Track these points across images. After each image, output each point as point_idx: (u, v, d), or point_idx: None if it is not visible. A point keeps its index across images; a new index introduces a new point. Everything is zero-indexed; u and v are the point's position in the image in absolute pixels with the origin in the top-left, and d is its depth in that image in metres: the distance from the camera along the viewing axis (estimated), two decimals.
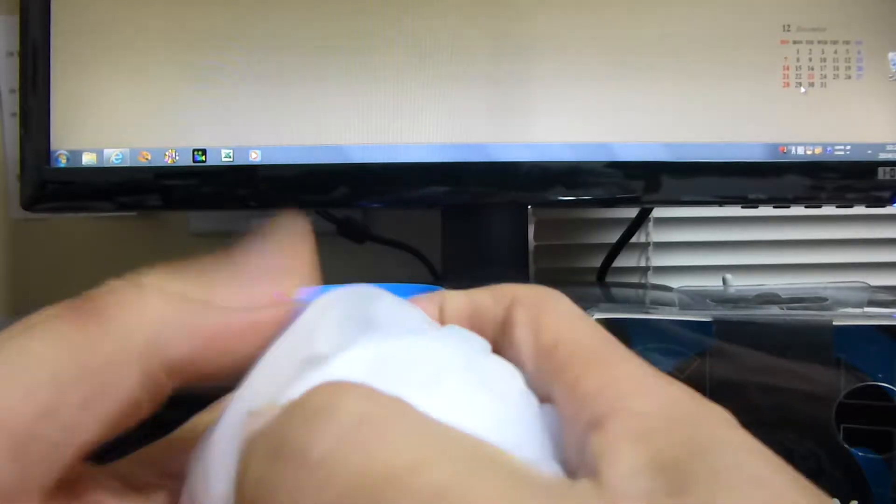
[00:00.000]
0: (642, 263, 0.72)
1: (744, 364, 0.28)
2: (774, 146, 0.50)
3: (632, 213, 0.67)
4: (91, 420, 0.14)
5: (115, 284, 0.15)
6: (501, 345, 0.17)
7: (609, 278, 0.68)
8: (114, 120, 0.50)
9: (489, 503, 0.11)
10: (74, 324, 0.14)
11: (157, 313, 0.15)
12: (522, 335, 0.16)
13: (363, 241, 0.68)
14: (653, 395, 0.14)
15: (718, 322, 0.29)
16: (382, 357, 0.15)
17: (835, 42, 0.50)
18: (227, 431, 0.14)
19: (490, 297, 0.18)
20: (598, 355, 0.15)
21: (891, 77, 0.51)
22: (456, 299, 0.18)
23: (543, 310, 0.17)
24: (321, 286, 0.19)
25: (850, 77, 0.50)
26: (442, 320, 0.18)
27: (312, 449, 0.12)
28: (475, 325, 0.18)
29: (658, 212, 0.69)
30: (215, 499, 0.14)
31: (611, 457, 0.12)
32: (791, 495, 0.12)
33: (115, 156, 0.50)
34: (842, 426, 0.27)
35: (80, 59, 0.50)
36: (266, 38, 0.50)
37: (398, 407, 0.13)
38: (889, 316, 0.28)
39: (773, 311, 0.29)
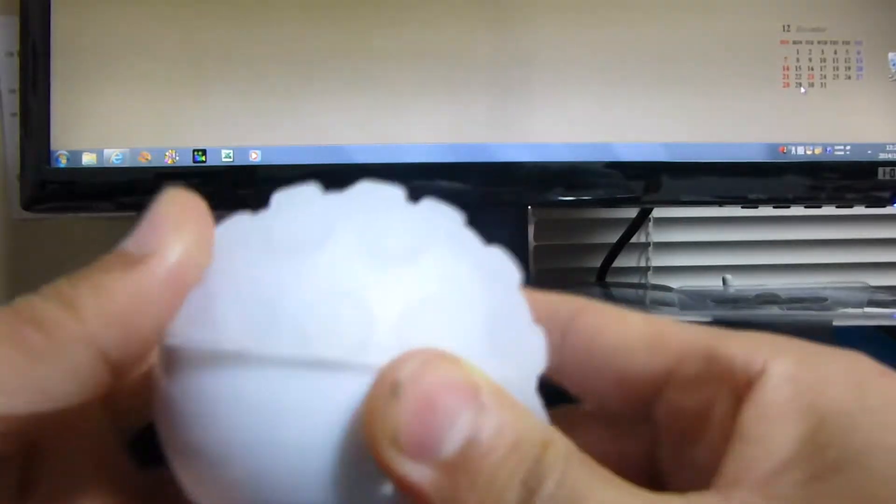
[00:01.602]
0: (642, 263, 0.72)
1: None
2: (774, 146, 0.50)
3: (632, 213, 0.67)
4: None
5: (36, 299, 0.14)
6: (554, 352, 0.16)
7: (609, 278, 0.68)
8: (114, 120, 0.50)
9: None
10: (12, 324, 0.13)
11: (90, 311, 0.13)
12: (610, 333, 0.15)
13: None
14: (793, 351, 0.14)
15: (718, 322, 0.29)
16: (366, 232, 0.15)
17: (835, 42, 0.50)
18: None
19: (549, 300, 0.17)
20: (724, 333, 0.15)
21: (891, 77, 0.51)
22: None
23: (624, 312, 0.16)
24: None
25: (850, 77, 0.50)
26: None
27: None
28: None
29: (658, 212, 0.69)
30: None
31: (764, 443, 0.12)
32: None
33: (115, 156, 0.50)
34: None
35: (80, 59, 0.50)
36: (266, 38, 0.50)
37: None
38: (889, 316, 0.28)
39: (773, 311, 0.29)
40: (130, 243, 0.14)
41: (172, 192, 0.15)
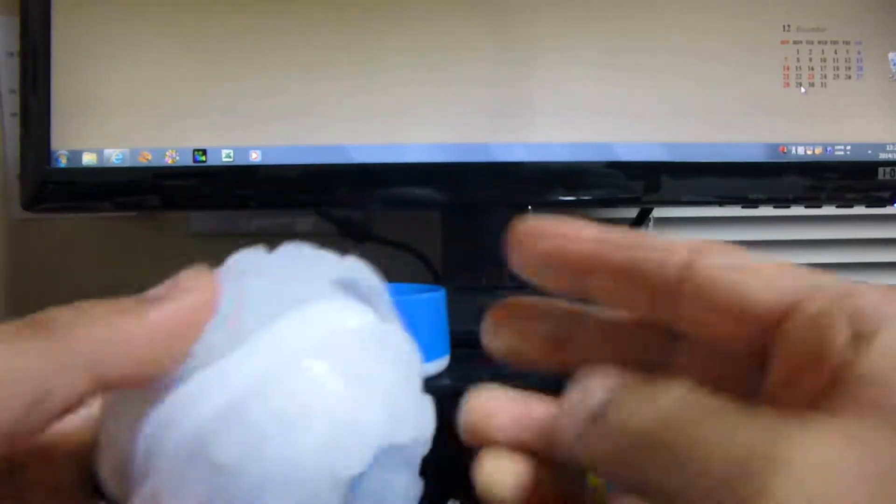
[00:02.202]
0: None
1: None
2: (774, 146, 0.50)
3: (632, 213, 0.67)
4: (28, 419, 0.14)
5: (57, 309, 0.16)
6: (666, 305, 0.16)
7: None
8: (114, 120, 0.50)
9: None
10: (21, 333, 0.15)
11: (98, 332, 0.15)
12: (731, 274, 0.15)
13: (363, 241, 0.68)
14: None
15: None
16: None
17: (835, 42, 0.50)
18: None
19: (661, 246, 0.16)
20: (850, 282, 0.15)
21: (891, 77, 0.51)
22: (619, 238, 0.17)
23: (746, 255, 0.16)
24: None
25: (850, 77, 0.50)
26: (599, 259, 0.17)
27: None
28: (634, 275, 0.16)
29: (658, 212, 0.69)
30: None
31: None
32: None
33: (115, 156, 0.50)
34: None
35: (80, 59, 0.50)
36: (266, 37, 0.50)
37: None
38: None
39: None
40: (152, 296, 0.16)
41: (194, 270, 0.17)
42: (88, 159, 0.50)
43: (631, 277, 0.16)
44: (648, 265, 0.16)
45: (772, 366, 0.15)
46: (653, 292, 0.16)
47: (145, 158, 0.50)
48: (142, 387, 0.15)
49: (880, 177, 0.50)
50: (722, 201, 0.52)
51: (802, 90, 0.50)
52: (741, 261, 0.16)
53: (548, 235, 0.17)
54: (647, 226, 0.70)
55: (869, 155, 0.50)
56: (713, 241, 0.16)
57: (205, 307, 0.16)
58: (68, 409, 0.15)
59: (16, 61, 0.51)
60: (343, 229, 0.67)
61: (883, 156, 0.51)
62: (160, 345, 0.15)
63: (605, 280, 0.17)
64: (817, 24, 0.50)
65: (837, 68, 0.50)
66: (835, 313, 0.14)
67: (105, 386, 0.15)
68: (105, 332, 0.15)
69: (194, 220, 0.71)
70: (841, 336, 0.14)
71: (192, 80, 0.50)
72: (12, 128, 0.68)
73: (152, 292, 0.16)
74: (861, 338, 0.14)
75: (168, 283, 0.17)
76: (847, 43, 0.50)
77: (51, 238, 0.71)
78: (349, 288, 0.18)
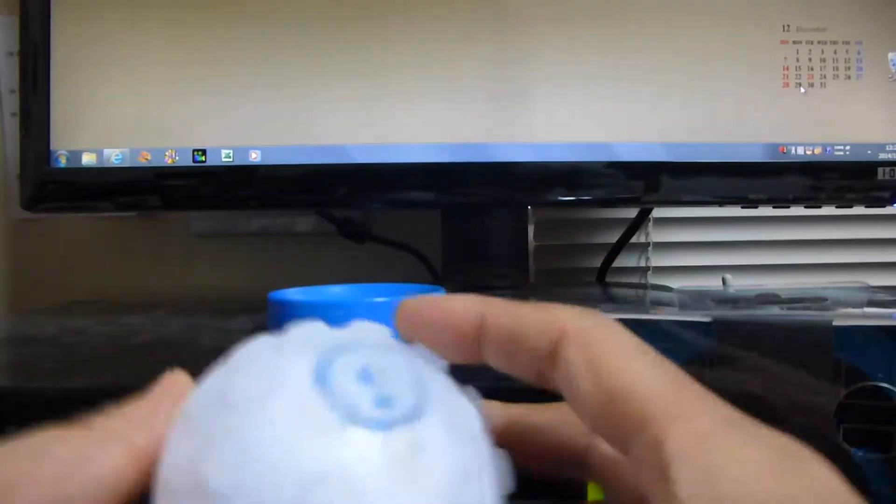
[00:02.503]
0: (642, 263, 0.72)
1: (743, 364, 0.28)
2: (774, 146, 0.50)
3: (632, 213, 0.67)
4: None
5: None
6: (547, 378, 0.16)
7: (609, 278, 0.68)
8: (114, 120, 0.50)
9: None
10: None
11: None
12: (580, 380, 0.15)
13: (363, 241, 0.68)
14: (751, 459, 0.13)
15: (718, 322, 0.29)
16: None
17: (835, 42, 0.50)
18: None
19: (536, 323, 0.16)
20: (678, 405, 0.14)
21: (891, 77, 0.51)
22: (500, 312, 0.17)
23: (602, 349, 0.15)
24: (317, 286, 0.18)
25: (850, 77, 0.50)
26: (482, 332, 0.17)
27: None
28: (514, 348, 0.17)
29: (658, 212, 0.69)
30: None
31: None
32: None
33: (115, 156, 0.50)
34: (842, 426, 0.27)
35: (80, 59, 0.50)
36: (266, 37, 0.50)
37: None
38: (889, 316, 0.28)
39: (773, 311, 0.29)
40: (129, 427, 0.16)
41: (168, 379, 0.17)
42: (88, 159, 0.50)
43: (515, 359, 0.17)
44: (529, 349, 0.16)
45: (636, 472, 0.15)
46: (539, 374, 0.16)
47: (145, 158, 0.50)
48: None
49: (880, 177, 0.50)
50: (722, 201, 0.52)
51: (802, 90, 0.50)
52: (593, 369, 0.15)
53: (432, 314, 0.18)
54: (647, 226, 0.70)
55: (869, 155, 0.50)
56: (580, 322, 0.16)
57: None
58: None
59: (16, 61, 0.51)
60: (343, 229, 0.67)
61: (883, 156, 0.51)
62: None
63: (492, 353, 0.17)
64: (817, 24, 0.50)
65: (837, 68, 0.50)
66: (646, 471, 0.14)
67: None
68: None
69: (194, 221, 0.71)
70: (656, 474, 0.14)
71: (192, 81, 0.50)
72: (12, 128, 0.68)
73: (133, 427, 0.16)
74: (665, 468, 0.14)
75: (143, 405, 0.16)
76: (847, 43, 0.50)
77: (51, 238, 0.71)
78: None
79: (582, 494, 0.22)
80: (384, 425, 0.14)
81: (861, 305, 0.36)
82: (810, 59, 0.50)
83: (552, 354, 0.16)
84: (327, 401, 0.14)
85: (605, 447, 0.18)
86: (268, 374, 0.15)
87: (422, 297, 0.18)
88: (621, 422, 0.15)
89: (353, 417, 0.14)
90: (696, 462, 0.13)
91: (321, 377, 0.14)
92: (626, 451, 0.15)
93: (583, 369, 0.15)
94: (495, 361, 0.17)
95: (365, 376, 0.15)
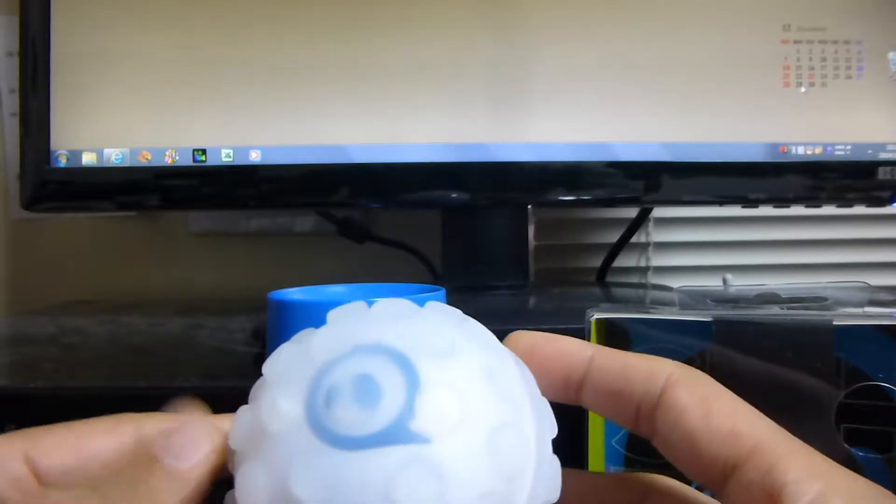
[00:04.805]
0: (642, 263, 0.72)
1: (743, 364, 0.28)
2: (774, 146, 0.50)
3: (632, 213, 0.67)
4: None
5: None
6: (646, 421, 0.18)
7: (609, 278, 0.68)
8: (114, 120, 0.50)
9: None
10: None
11: None
12: (690, 416, 0.17)
13: (363, 241, 0.68)
14: (859, 492, 0.15)
15: (718, 322, 0.29)
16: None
17: (835, 42, 0.50)
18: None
19: (644, 369, 0.18)
20: (788, 444, 0.16)
21: (891, 77, 0.51)
22: (610, 356, 0.18)
23: (711, 393, 0.17)
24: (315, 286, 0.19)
25: (850, 77, 0.50)
26: (587, 375, 0.18)
27: None
28: (619, 392, 0.18)
29: (658, 212, 0.69)
30: None
31: None
32: None
33: (115, 156, 0.50)
34: (842, 426, 0.27)
35: (80, 59, 0.50)
36: (266, 37, 0.50)
37: None
38: (889, 316, 0.28)
39: (773, 311, 0.29)
40: (165, 454, 0.17)
41: (189, 419, 0.18)
42: (88, 159, 0.50)
43: (617, 399, 0.18)
44: (634, 391, 0.18)
45: None
46: (637, 415, 0.18)
47: (145, 158, 0.50)
48: None
49: (880, 176, 0.50)
50: (722, 201, 0.52)
51: (802, 90, 0.50)
52: (702, 400, 0.17)
53: (548, 350, 0.19)
54: (647, 226, 0.71)
55: (869, 155, 0.50)
56: (688, 372, 0.18)
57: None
58: None
59: (16, 61, 0.50)
60: (343, 229, 0.67)
61: (883, 155, 0.51)
62: None
63: (595, 395, 0.19)
64: (817, 23, 0.50)
65: (837, 68, 0.50)
66: (758, 491, 0.15)
67: None
68: None
69: (194, 220, 0.71)
70: None
71: (192, 80, 0.50)
72: (12, 128, 0.68)
73: (167, 453, 0.17)
74: None
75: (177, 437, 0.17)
76: (847, 43, 0.50)
77: (51, 238, 0.71)
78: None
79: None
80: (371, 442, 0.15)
81: (861, 305, 0.36)
82: (810, 59, 0.50)
83: (657, 398, 0.17)
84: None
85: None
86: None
87: (536, 333, 0.19)
88: (728, 455, 0.16)
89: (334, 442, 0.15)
90: (813, 486, 0.15)
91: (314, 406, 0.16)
92: (721, 486, 0.16)
93: (694, 408, 0.17)
94: (594, 402, 0.19)
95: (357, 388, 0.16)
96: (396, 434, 0.15)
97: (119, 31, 0.50)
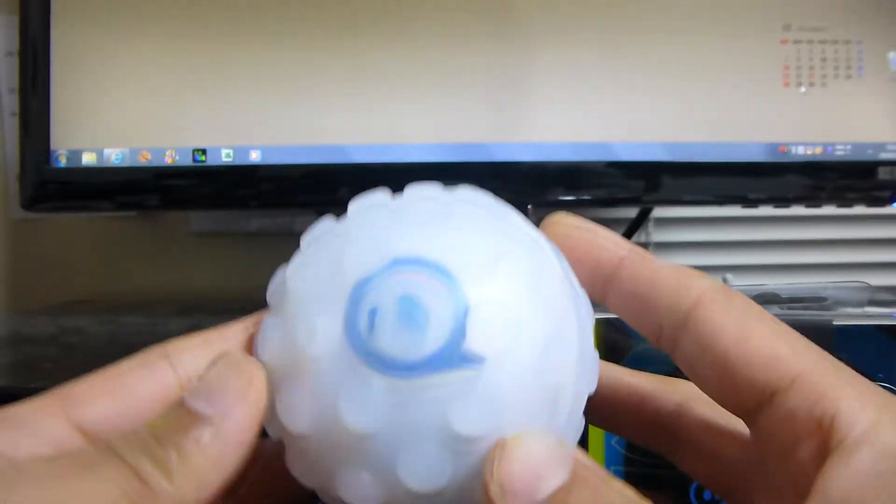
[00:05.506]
0: None
1: None
2: (774, 146, 0.50)
3: (632, 213, 0.67)
4: None
5: None
6: (669, 336, 0.17)
7: None
8: (114, 120, 0.50)
9: None
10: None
11: None
12: (726, 339, 0.16)
13: None
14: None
15: None
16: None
17: (835, 42, 0.50)
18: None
19: (675, 281, 0.17)
20: (837, 371, 0.15)
21: (891, 77, 0.50)
22: (643, 261, 0.17)
23: (751, 314, 0.16)
24: None
25: (850, 77, 0.50)
26: (616, 274, 0.17)
27: None
28: (646, 299, 0.17)
29: (658, 212, 0.69)
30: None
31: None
32: None
33: (115, 156, 0.50)
34: None
35: (80, 58, 0.50)
36: (266, 37, 0.50)
37: None
38: (889, 316, 0.28)
39: (773, 311, 0.29)
40: (198, 402, 0.15)
41: (233, 359, 0.16)
42: (88, 159, 0.50)
43: (643, 307, 0.17)
44: (659, 301, 0.17)
45: (758, 442, 0.16)
46: (660, 327, 0.17)
47: (145, 158, 0.50)
48: None
49: (880, 176, 0.50)
50: (722, 201, 0.52)
51: (802, 90, 0.50)
52: (739, 320, 0.16)
53: (583, 235, 0.18)
54: (647, 226, 0.70)
55: (869, 155, 0.50)
56: (724, 290, 0.16)
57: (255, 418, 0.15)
58: None
59: (16, 61, 0.50)
60: None
61: (883, 155, 0.51)
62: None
63: (620, 298, 0.17)
64: (817, 23, 0.50)
65: (837, 68, 0.50)
66: (804, 419, 0.14)
67: None
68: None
69: (194, 220, 0.71)
70: (807, 449, 0.14)
71: (192, 80, 0.50)
72: (12, 128, 0.68)
73: (199, 402, 0.15)
74: (828, 452, 0.13)
75: (211, 385, 0.15)
76: (847, 43, 0.50)
77: (51, 238, 0.71)
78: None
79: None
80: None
81: (861, 305, 0.36)
82: (810, 59, 0.50)
83: (685, 314, 0.16)
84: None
85: (701, 412, 0.19)
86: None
87: (573, 221, 0.18)
88: (767, 380, 0.15)
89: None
90: (867, 414, 0.14)
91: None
92: (754, 413, 0.15)
93: (730, 328, 0.15)
94: (618, 306, 0.18)
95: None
96: (448, 359, 0.14)
97: (119, 30, 0.50)
